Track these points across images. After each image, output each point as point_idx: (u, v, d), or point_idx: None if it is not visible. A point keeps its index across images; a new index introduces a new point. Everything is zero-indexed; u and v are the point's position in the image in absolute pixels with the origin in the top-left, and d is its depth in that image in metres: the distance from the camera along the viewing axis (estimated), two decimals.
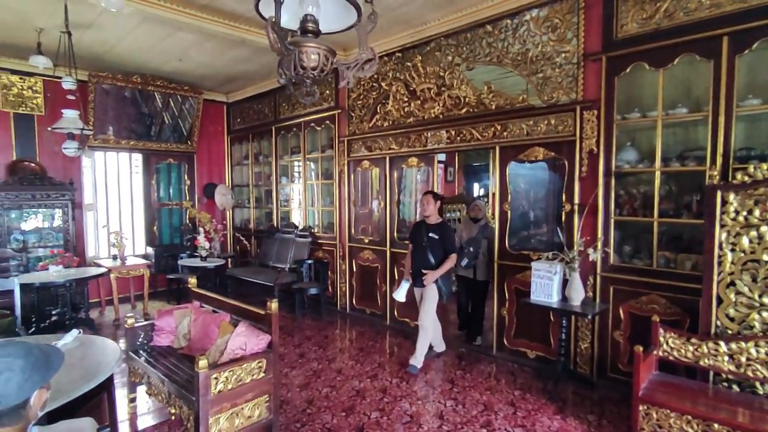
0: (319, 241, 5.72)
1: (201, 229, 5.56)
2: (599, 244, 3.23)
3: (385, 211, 4.90)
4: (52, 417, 1.71)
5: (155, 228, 6.68)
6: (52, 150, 5.58)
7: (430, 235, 3.78)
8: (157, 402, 2.80)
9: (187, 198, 6.88)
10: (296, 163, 6.24)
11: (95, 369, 2.01)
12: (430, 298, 3.72)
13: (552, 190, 3.87)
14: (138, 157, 6.50)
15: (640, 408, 2.46)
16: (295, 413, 2.94)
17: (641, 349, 2.49)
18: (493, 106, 3.88)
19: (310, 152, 5.90)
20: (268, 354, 2.50)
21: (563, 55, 3.45)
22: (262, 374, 2.47)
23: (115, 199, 6.37)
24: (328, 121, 5.51)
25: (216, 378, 2.24)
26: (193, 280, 3.36)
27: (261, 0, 1.37)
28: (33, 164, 5.47)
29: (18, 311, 3.33)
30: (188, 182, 6.97)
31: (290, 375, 3.59)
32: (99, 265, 5.25)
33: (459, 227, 4.70)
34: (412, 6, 3.89)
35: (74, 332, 2.41)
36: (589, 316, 3.13)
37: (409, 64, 4.53)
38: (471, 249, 4.09)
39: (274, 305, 2.53)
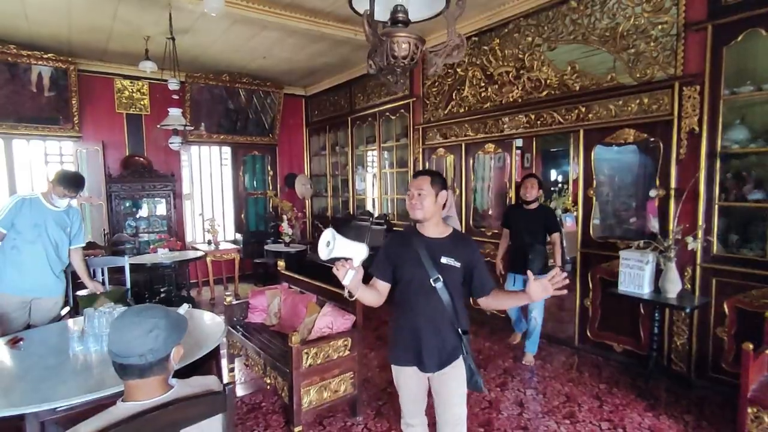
0: (395, 228, 5.83)
1: (285, 217, 5.92)
2: (700, 232, 2.96)
3: (460, 199, 4.87)
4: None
5: (242, 216, 7.24)
6: (157, 145, 6.26)
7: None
8: (254, 373, 3.09)
9: (270, 187, 7.35)
10: (371, 153, 6.39)
11: (206, 338, 2.28)
12: None
13: (642, 175, 3.61)
14: (227, 150, 7.05)
15: (749, 410, 2.26)
16: (376, 391, 3.09)
17: (751, 347, 2.27)
18: (577, 87, 3.68)
19: (384, 141, 6.01)
20: (353, 333, 2.65)
21: (660, 26, 3.17)
22: (347, 352, 2.62)
23: (207, 190, 6.98)
24: (402, 110, 5.56)
25: (306, 353, 2.43)
26: (282, 263, 3.62)
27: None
28: (142, 159, 6.17)
29: (128, 285, 3.83)
30: (271, 173, 7.43)
31: (369, 356, 3.75)
32: (197, 250, 5.83)
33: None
34: None
35: (185, 306, 2.71)
36: (688, 310, 2.90)
37: (486, 47, 4.43)
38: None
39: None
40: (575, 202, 3.91)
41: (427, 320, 1.72)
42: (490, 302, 1.76)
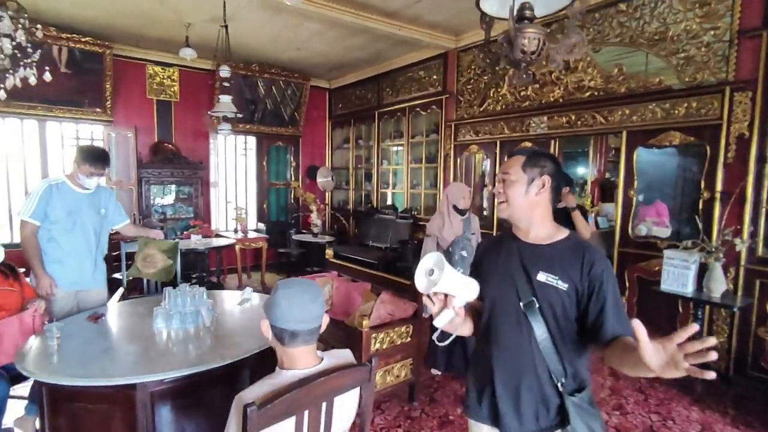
0: (420, 222, 5.90)
1: (314, 208, 5.97)
2: (745, 234, 3.05)
3: (493, 195, 4.94)
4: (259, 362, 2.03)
5: (264, 206, 7.28)
6: (185, 133, 6.30)
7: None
8: None
9: (293, 179, 7.39)
10: (398, 147, 6.44)
11: None
12: None
13: (685, 177, 3.69)
14: (252, 140, 7.07)
15: None
16: (427, 378, 3.16)
17: None
18: (623, 89, 3.75)
19: (413, 136, 6.06)
20: (414, 320, 2.72)
21: (712, 32, 3.24)
22: (408, 338, 2.70)
23: (232, 179, 7.01)
24: (434, 106, 5.62)
25: (375, 337, 2.50)
26: (330, 251, 3.70)
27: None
28: (170, 145, 6.19)
29: (179, 267, 3.87)
30: (293, 164, 7.48)
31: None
32: (224, 237, 5.87)
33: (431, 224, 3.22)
34: None
35: (248, 290, 2.78)
36: (735, 309, 2.99)
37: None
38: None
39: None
40: (615, 202, 3.98)
41: (510, 360, 1.23)
42: (607, 356, 1.12)
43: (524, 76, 1.64)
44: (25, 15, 2.27)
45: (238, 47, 5.69)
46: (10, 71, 2.27)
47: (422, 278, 1.11)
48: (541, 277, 1.20)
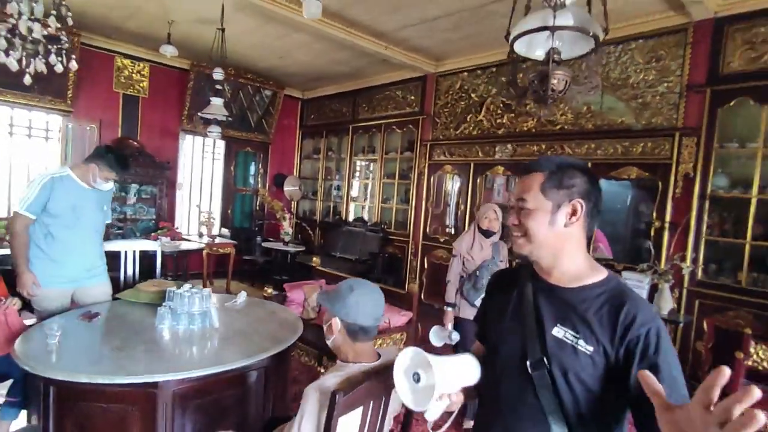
0: (390, 237, 6.06)
1: (286, 216, 5.94)
2: (688, 260, 3.51)
3: (465, 214, 5.22)
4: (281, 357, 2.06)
5: (229, 211, 7.11)
6: (152, 131, 6.06)
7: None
8: (301, 362, 3.14)
9: (260, 185, 7.30)
10: (371, 162, 6.60)
11: (291, 321, 2.37)
12: None
13: (638, 208, 4.15)
14: (221, 144, 6.92)
15: None
16: None
17: (742, 355, 2.77)
18: (590, 126, 4.18)
19: (387, 152, 6.25)
20: (408, 329, 2.85)
21: (665, 84, 3.74)
22: (402, 345, 2.81)
23: (197, 182, 6.80)
24: (410, 125, 5.86)
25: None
26: (317, 259, 3.74)
27: (516, 41, 1.69)
28: (135, 143, 5.92)
29: (159, 272, 3.74)
30: (261, 171, 7.39)
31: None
32: (189, 241, 5.67)
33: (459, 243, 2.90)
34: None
35: (243, 294, 2.77)
36: (681, 324, 3.40)
37: (504, 79, 4.86)
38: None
39: (414, 286, 2.87)
40: None
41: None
42: None
43: (547, 111, 1.86)
44: (64, 3, 2.20)
45: (242, 55, 5.63)
46: (39, 57, 2.17)
47: (408, 393, 0.90)
48: (557, 331, 0.92)
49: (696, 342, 3.57)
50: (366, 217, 6.62)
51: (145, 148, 5.94)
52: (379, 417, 1.27)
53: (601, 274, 0.96)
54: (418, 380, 0.88)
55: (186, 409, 1.74)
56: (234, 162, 7.08)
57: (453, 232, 5.45)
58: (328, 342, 1.33)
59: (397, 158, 6.12)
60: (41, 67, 2.34)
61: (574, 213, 0.94)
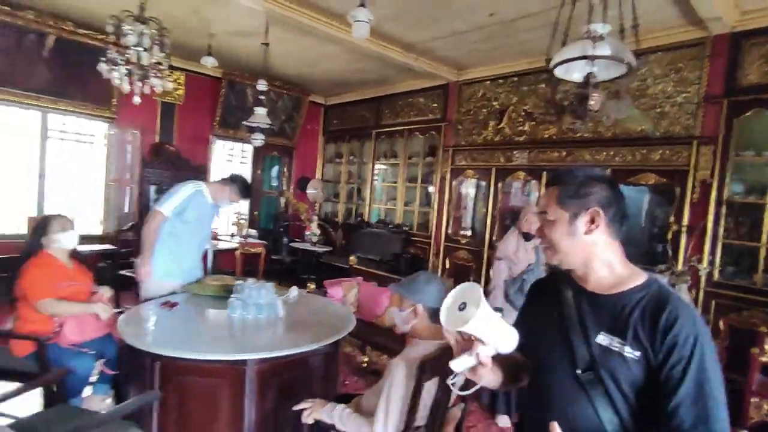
0: (412, 238, 6.31)
1: (314, 218, 6.22)
2: (705, 262, 3.71)
3: (485, 217, 5.45)
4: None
5: (255, 213, 7.41)
6: (186, 136, 6.38)
7: None
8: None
9: (285, 188, 7.60)
10: (393, 166, 6.85)
11: (343, 313, 2.63)
12: None
13: (654, 211, 4.36)
14: (249, 148, 7.23)
15: (752, 400, 2.94)
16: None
17: (757, 351, 2.97)
18: (609, 134, 4.40)
19: (410, 157, 6.50)
20: None
21: (683, 95, 3.95)
22: None
23: None
24: (433, 131, 6.11)
25: None
26: (353, 259, 3.99)
27: (558, 68, 1.93)
28: (171, 147, 6.24)
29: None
30: (286, 174, 7.69)
31: None
32: (224, 241, 5.97)
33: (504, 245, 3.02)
34: (537, 41, 4.42)
35: (294, 289, 3.03)
36: None
37: (525, 88, 5.09)
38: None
39: (449, 281, 3.11)
40: None
41: None
42: None
43: (584, 126, 2.09)
44: (166, 32, 2.51)
45: (251, 58, 5.92)
46: (145, 79, 2.47)
47: (451, 311, 0.93)
48: (603, 339, 0.93)
49: (713, 340, 3.76)
50: (387, 219, 6.87)
51: (180, 153, 6.26)
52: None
53: (641, 278, 0.97)
54: (461, 309, 0.90)
55: (265, 385, 2.00)
56: (261, 165, 7.38)
57: (472, 234, 5.68)
58: (407, 326, 1.58)
59: (420, 163, 6.37)
60: (147, 89, 2.63)
61: (592, 221, 0.97)
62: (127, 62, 2.53)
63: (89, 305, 2.31)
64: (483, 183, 5.55)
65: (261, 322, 2.36)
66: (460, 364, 0.94)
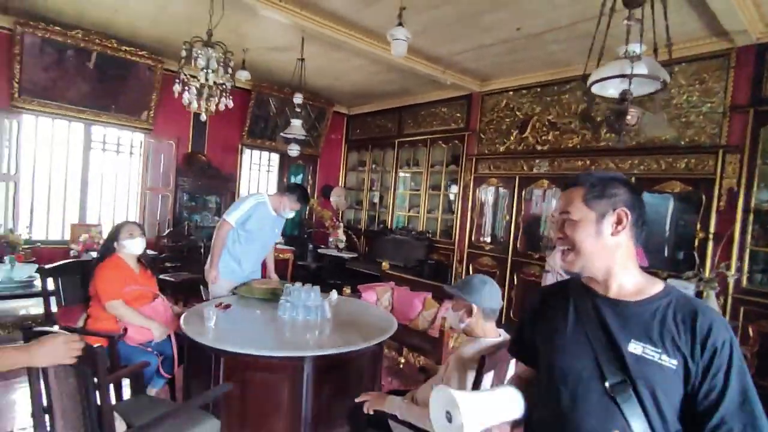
0: (436, 244, 6.43)
1: (341, 224, 6.39)
2: (733, 269, 3.76)
3: (510, 224, 5.55)
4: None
5: None
6: (216, 145, 6.63)
7: None
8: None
9: (311, 196, 7.80)
10: (416, 174, 7.00)
11: (384, 316, 2.77)
12: None
13: (679, 220, 4.41)
14: (275, 157, 7.46)
15: None
16: None
17: None
18: (633, 143, 4.49)
19: (432, 166, 6.65)
20: None
21: (708, 104, 4.03)
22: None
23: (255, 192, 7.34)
24: (456, 140, 6.25)
25: (452, 336, 2.96)
26: (385, 264, 4.12)
27: (594, 85, 2.06)
28: (203, 157, 6.49)
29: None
30: (310, 182, 7.89)
31: None
32: None
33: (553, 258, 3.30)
34: (562, 53, 4.55)
35: (335, 292, 3.18)
36: None
37: (548, 98, 5.21)
38: None
39: None
40: None
41: None
42: None
43: (622, 140, 2.21)
44: (230, 55, 2.72)
45: (281, 71, 6.16)
46: (213, 98, 2.68)
47: (445, 429, 0.89)
48: (635, 348, 0.89)
49: (741, 347, 3.79)
50: (410, 226, 7.00)
51: (211, 162, 6.51)
52: (502, 379, 1.64)
53: (659, 284, 0.96)
54: (450, 420, 0.85)
55: (321, 380, 2.15)
56: (286, 174, 7.60)
57: (495, 241, 5.78)
58: (462, 324, 1.71)
59: (442, 171, 6.50)
60: (213, 107, 2.84)
61: (619, 222, 0.95)
62: (199, 85, 2.72)
63: (148, 321, 2.44)
64: (506, 191, 5.66)
65: (311, 323, 2.51)
66: None
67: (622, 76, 1.91)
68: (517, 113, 5.52)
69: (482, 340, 1.63)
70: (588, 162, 4.83)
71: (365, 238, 7.70)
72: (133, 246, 2.51)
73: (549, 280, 2.91)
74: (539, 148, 5.29)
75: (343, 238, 6.38)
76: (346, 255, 6.27)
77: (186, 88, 2.85)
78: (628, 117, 2.01)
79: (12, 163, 5.06)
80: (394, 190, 7.26)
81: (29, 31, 4.74)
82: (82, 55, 5.14)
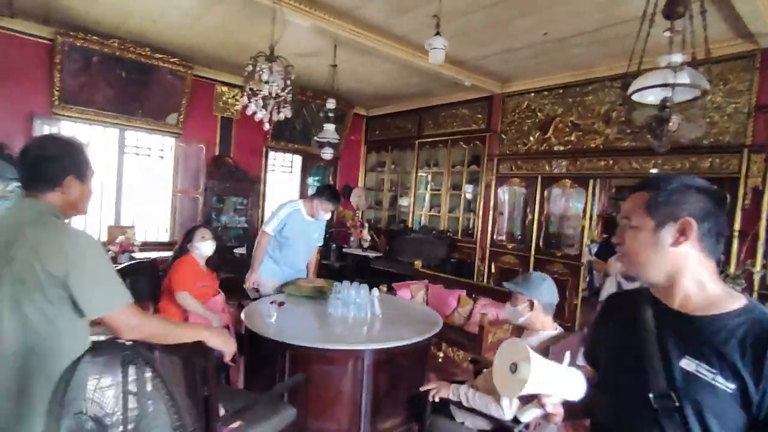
0: (457, 243, 6.56)
1: (366, 224, 6.54)
2: (758, 266, 3.85)
3: (532, 223, 5.66)
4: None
5: None
6: (242, 148, 6.81)
7: None
8: None
9: None
10: (437, 174, 7.13)
11: (429, 312, 2.92)
12: None
13: None
14: (298, 159, 7.63)
15: None
16: None
17: None
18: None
19: (453, 166, 6.77)
20: None
21: (733, 105, 4.11)
22: (508, 335, 3.30)
23: (279, 194, 7.52)
24: (477, 141, 6.37)
25: (490, 332, 3.10)
26: (418, 263, 4.27)
27: (637, 93, 2.18)
28: (230, 159, 6.67)
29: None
30: (331, 183, 8.05)
31: None
32: None
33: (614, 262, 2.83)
34: (585, 56, 4.65)
35: (377, 290, 3.33)
36: None
37: (570, 100, 5.31)
38: None
39: None
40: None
41: None
42: None
43: (663, 145, 2.33)
44: (291, 69, 2.90)
45: (307, 76, 6.31)
46: (277, 110, 2.85)
47: (503, 376, 0.89)
48: (688, 364, 0.85)
49: None
50: (430, 226, 7.14)
51: (238, 165, 6.69)
52: None
53: (740, 301, 0.87)
54: (514, 371, 0.86)
55: (379, 371, 2.30)
56: (308, 175, 7.77)
57: (518, 239, 5.90)
58: (522, 318, 1.84)
59: (463, 171, 6.63)
60: (276, 117, 3.02)
61: (682, 232, 0.87)
62: (262, 97, 2.89)
63: (210, 313, 2.63)
64: (528, 190, 5.77)
65: (361, 319, 2.66)
66: (528, 415, 0.92)
67: (665, 85, 2.03)
68: (539, 114, 5.63)
69: (542, 332, 1.77)
70: (611, 162, 4.93)
71: (386, 237, 7.84)
72: (205, 247, 2.72)
73: (608, 284, 2.75)
74: (561, 148, 5.40)
75: (368, 237, 6.53)
76: (371, 254, 6.41)
77: (252, 99, 3.02)
78: (670, 124, 2.12)
79: None
80: (415, 189, 7.39)
81: (69, 41, 4.94)
82: (117, 63, 5.33)
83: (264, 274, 3.26)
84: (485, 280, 6.15)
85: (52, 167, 1.27)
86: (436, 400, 1.85)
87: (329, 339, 2.29)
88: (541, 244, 5.64)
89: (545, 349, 1.60)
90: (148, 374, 1.06)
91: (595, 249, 5.14)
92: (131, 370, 1.07)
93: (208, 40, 5.09)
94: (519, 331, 1.91)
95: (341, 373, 2.25)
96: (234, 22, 4.54)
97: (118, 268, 2.71)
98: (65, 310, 1.19)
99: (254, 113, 3.17)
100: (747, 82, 4.04)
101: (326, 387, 2.26)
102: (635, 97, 2.25)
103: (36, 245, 1.15)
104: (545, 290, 1.78)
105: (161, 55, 5.55)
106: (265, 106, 3.05)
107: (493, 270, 6.10)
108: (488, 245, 6.17)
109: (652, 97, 2.24)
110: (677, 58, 2.02)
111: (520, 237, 5.94)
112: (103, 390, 1.07)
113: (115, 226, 5.70)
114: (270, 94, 2.99)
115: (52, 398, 0.96)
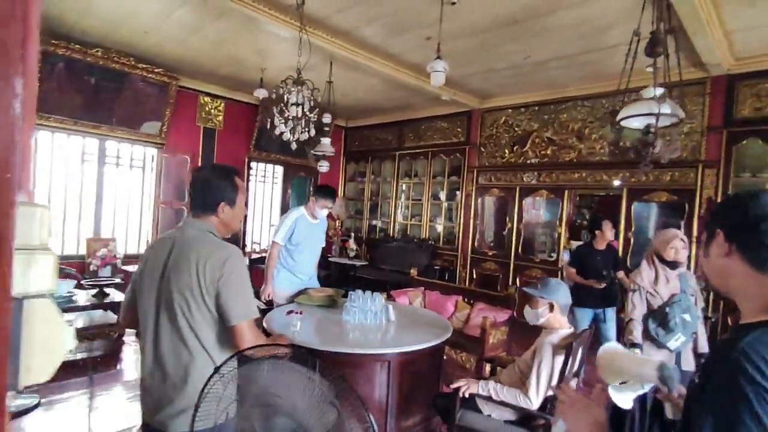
0: (438, 251, 6.83)
1: (352, 234, 6.68)
2: None
3: (511, 231, 6.02)
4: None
5: None
6: (224, 158, 6.78)
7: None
8: None
9: None
10: (417, 185, 7.39)
11: (438, 318, 3.12)
12: None
13: (666, 225, 5.00)
14: (279, 170, 7.68)
15: None
16: None
17: None
18: (626, 158, 5.04)
19: (434, 177, 7.06)
20: (509, 324, 3.60)
21: (689, 125, 4.63)
22: (504, 336, 3.56)
23: (260, 204, 7.53)
24: (457, 153, 6.69)
25: (491, 334, 3.34)
26: (413, 271, 4.47)
27: (624, 119, 2.50)
28: None
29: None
30: (311, 193, 8.13)
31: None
32: (264, 255, 6.36)
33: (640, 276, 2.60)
34: (561, 77, 5.08)
35: (382, 297, 3.50)
36: (713, 320, 4.22)
37: (545, 116, 5.73)
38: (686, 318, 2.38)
39: (512, 290, 3.63)
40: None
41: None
42: None
43: (648, 166, 2.66)
44: (318, 92, 3.01)
45: None
46: (304, 129, 2.95)
47: (627, 397, 1.01)
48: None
49: (722, 335, 4.38)
50: (411, 234, 7.38)
51: None
52: (578, 362, 2.03)
53: None
54: (618, 377, 1.00)
55: (403, 373, 2.47)
56: (289, 185, 7.82)
57: (497, 246, 6.24)
58: (542, 320, 2.08)
59: (444, 181, 6.93)
60: (304, 136, 3.12)
61: (721, 245, 0.87)
62: (291, 118, 3.01)
63: None
64: (507, 200, 6.14)
65: (377, 325, 2.82)
66: (625, 400, 1.04)
67: (650, 114, 2.36)
68: (516, 129, 6.02)
69: (560, 330, 2.01)
70: (584, 174, 5.36)
71: (366, 246, 8.01)
72: None
73: (636, 299, 2.54)
74: (538, 161, 5.80)
75: (355, 246, 6.67)
76: (358, 263, 6.56)
77: (281, 120, 3.14)
78: (654, 148, 2.46)
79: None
80: (396, 199, 7.62)
81: (51, 50, 4.82)
82: (99, 72, 5.23)
83: (279, 285, 3.35)
84: (467, 286, 6.45)
85: (207, 196, 1.50)
86: (467, 395, 2.05)
87: (355, 345, 2.44)
88: (520, 250, 6.01)
89: (569, 345, 1.84)
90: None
91: (566, 256, 5.55)
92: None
93: (199, 53, 5.11)
94: (537, 331, 2.15)
95: (369, 376, 2.40)
96: (230, 37, 4.61)
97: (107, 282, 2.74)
98: (213, 315, 1.41)
99: (282, 133, 3.28)
100: (700, 105, 4.57)
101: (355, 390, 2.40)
102: (623, 123, 2.57)
103: (198, 257, 1.39)
104: (562, 294, 2.03)
105: (145, 65, 5.49)
106: (294, 128, 3.17)
107: (474, 276, 6.41)
108: (469, 252, 6.48)
109: (637, 123, 2.57)
110: (659, 91, 2.35)
111: (498, 244, 6.28)
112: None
113: (94, 238, 5.54)
114: (296, 115, 3.12)
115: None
